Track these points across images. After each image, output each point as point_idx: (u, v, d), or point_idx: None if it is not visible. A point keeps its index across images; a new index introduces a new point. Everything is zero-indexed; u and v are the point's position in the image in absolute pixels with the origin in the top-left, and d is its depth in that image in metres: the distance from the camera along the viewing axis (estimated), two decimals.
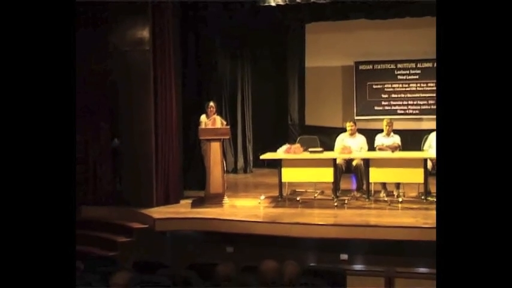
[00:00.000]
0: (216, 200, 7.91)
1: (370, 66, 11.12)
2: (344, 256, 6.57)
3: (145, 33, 8.15)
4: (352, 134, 8.39)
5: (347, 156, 8.05)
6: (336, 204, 7.73)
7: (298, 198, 8.15)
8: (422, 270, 6.07)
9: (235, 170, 11.23)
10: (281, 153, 8.11)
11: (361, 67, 11.14)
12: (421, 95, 10.74)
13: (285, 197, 8.20)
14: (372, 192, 8.00)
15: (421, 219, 6.71)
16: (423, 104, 10.71)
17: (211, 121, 8.37)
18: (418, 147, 8.17)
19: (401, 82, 10.90)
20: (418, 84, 10.72)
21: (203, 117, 8.44)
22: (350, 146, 8.11)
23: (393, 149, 8.00)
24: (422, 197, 7.64)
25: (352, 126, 8.41)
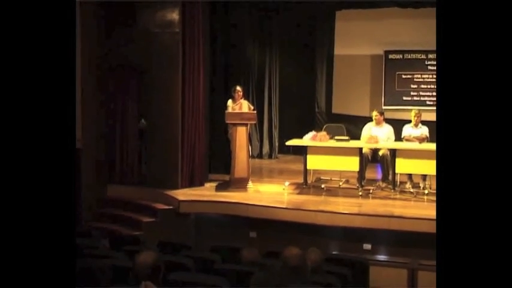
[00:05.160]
0: (240, 184, 7.94)
1: (400, 56, 10.97)
2: (367, 246, 6.55)
3: (175, 16, 8.15)
4: (378, 124, 8.31)
5: (373, 146, 7.98)
6: (360, 193, 7.69)
7: (322, 186, 8.12)
8: None
9: (260, 155, 11.24)
10: (307, 140, 8.09)
11: (391, 56, 10.99)
12: None
13: (310, 184, 8.19)
14: (398, 183, 7.93)
15: None
16: None
17: (238, 105, 8.37)
18: None
19: (432, 73, 10.71)
20: None
21: (230, 102, 8.44)
22: (377, 135, 8.04)
23: (421, 140, 7.91)
24: None
25: (377, 116, 8.32)
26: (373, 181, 8.31)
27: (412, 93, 10.87)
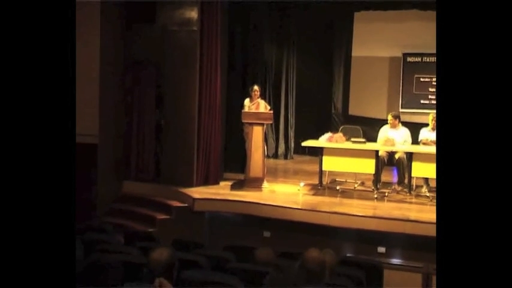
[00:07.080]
0: (255, 184, 7.93)
1: (419, 59, 10.88)
2: (382, 249, 6.51)
3: (193, 14, 8.17)
4: (393, 127, 8.25)
5: (390, 149, 7.93)
6: (376, 196, 7.65)
7: (338, 188, 8.08)
8: None
9: (275, 155, 11.22)
10: (323, 141, 8.05)
11: (409, 59, 10.91)
12: None
13: (325, 185, 8.16)
14: (414, 186, 7.87)
15: None
16: None
17: (255, 105, 8.37)
18: None
19: None
20: None
21: (247, 101, 8.44)
22: (393, 138, 7.98)
23: None
24: None
25: (391, 120, 8.26)
26: (388, 184, 8.24)
27: (430, 97, 10.77)
